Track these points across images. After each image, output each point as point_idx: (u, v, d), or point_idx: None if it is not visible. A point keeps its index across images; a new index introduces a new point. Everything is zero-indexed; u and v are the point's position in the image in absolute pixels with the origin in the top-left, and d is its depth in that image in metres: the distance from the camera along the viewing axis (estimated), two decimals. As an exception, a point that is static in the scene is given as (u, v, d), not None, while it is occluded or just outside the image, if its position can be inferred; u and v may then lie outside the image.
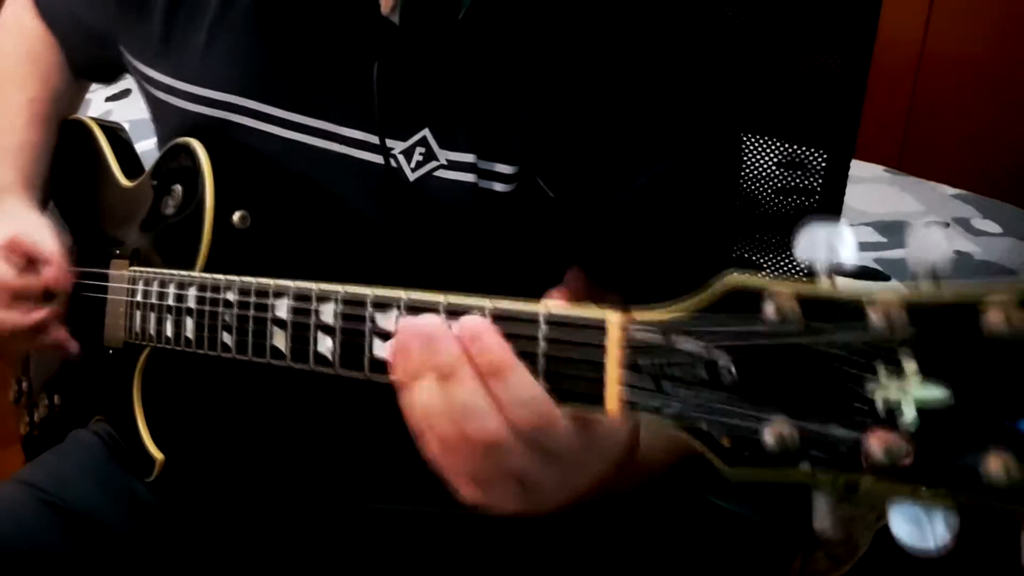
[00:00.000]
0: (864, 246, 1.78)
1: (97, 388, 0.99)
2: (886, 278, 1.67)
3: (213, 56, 0.88)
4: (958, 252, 1.79)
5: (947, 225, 1.89)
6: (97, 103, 2.12)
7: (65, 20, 1.08)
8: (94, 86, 1.25)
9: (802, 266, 1.17)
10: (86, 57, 1.09)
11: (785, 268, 1.25)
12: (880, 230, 1.85)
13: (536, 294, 0.57)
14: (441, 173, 0.80)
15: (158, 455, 0.87)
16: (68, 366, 1.03)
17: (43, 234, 0.97)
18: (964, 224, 1.90)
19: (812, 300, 0.44)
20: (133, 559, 0.93)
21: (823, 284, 0.44)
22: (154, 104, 0.95)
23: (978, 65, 2.33)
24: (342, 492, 0.93)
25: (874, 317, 0.41)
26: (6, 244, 0.95)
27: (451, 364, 0.54)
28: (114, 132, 1.08)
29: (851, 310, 0.42)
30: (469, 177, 0.79)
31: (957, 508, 0.40)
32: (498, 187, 0.79)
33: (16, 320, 0.95)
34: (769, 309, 0.44)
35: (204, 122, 0.88)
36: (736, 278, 0.46)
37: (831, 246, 0.44)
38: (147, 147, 0.99)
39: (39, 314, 0.96)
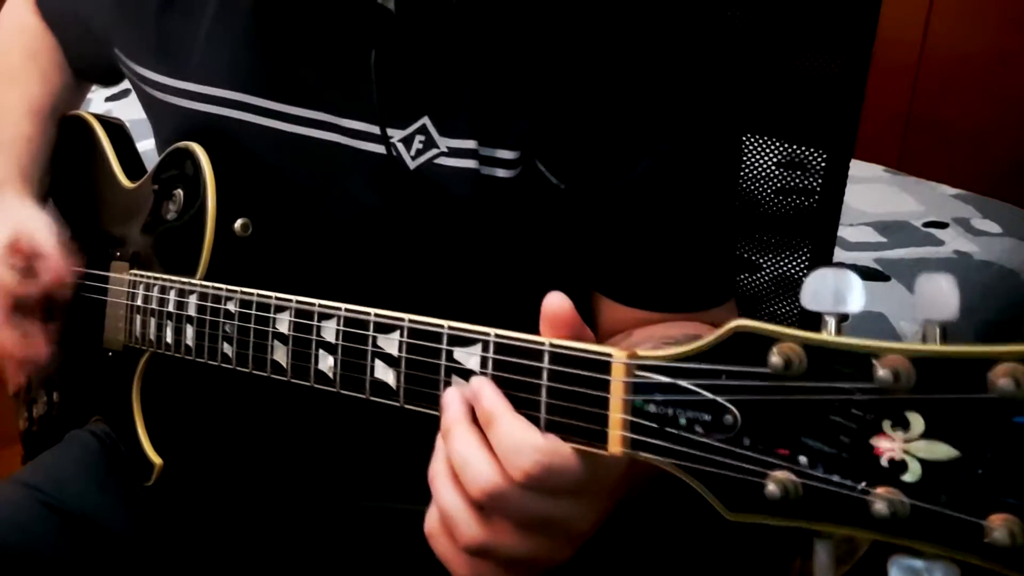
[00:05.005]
0: (864, 246, 1.78)
1: (96, 389, 0.98)
2: (886, 278, 1.67)
3: (211, 53, 0.87)
4: (958, 252, 1.79)
5: (947, 226, 1.89)
6: (97, 103, 2.11)
7: (67, 20, 1.07)
8: (95, 85, 1.24)
9: (802, 269, 1.17)
10: (86, 58, 1.08)
11: (784, 269, 1.25)
12: (880, 230, 1.85)
13: (541, 286, 0.57)
14: (442, 160, 0.79)
15: (157, 460, 0.87)
16: (67, 365, 1.03)
17: (42, 231, 0.96)
18: (964, 224, 1.90)
19: (819, 349, 0.43)
20: (131, 559, 0.93)
21: (831, 334, 0.44)
22: (152, 105, 0.94)
23: (978, 65, 2.32)
24: (339, 491, 0.93)
25: (881, 371, 0.41)
26: (6, 247, 0.93)
27: (447, 422, 0.57)
28: (116, 129, 1.07)
29: (859, 362, 0.42)
30: (471, 163, 0.79)
31: (958, 565, 0.40)
32: (500, 173, 0.79)
33: (17, 340, 0.95)
34: (775, 356, 0.44)
35: (203, 120, 0.87)
36: (744, 323, 0.46)
37: (839, 294, 0.44)
38: (148, 147, 0.98)
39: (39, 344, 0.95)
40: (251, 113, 0.85)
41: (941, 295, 0.41)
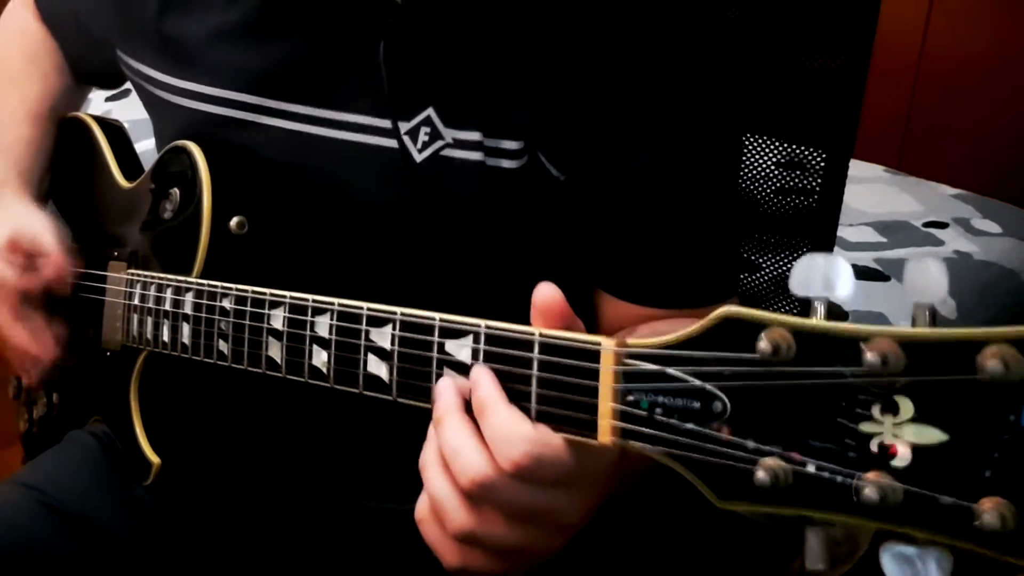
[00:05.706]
0: (864, 246, 1.78)
1: (95, 389, 0.98)
2: (886, 278, 1.67)
3: (214, 53, 0.87)
4: (958, 252, 1.78)
5: (947, 226, 1.89)
6: (97, 103, 2.11)
7: (67, 23, 1.07)
8: (95, 88, 1.24)
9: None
10: (86, 60, 1.08)
11: (784, 268, 1.25)
12: (880, 230, 1.85)
13: (543, 278, 0.57)
14: (448, 152, 0.79)
15: (154, 459, 0.87)
16: (67, 366, 1.03)
17: (41, 229, 0.97)
18: (964, 224, 1.90)
19: (808, 335, 0.43)
20: (131, 560, 0.93)
21: (820, 319, 0.43)
22: (154, 104, 0.94)
23: (978, 65, 2.32)
24: (337, 491, 0.93)
25: (870, 355, 0.41)
26: (6, 245, 0.94)
27: (439, 411, 0.57)
28: (114, 130, 1.07)
29: (847, 347, 0.42)
30: (476, 155, 0.79)
31: (950, 550, 0.40)
32: (506, 164, 0.79)
33: (28, 336, 0.95)
34: (764, 342, 0.44)
35: (209, 120, 0.87)
36: (732, 309, 0.46)
37: (827, 280, 0.44)
38: (147, 147, 0.98)
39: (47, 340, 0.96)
40: (254, 113, 0.85)
41: (930, 278, 0.41)
